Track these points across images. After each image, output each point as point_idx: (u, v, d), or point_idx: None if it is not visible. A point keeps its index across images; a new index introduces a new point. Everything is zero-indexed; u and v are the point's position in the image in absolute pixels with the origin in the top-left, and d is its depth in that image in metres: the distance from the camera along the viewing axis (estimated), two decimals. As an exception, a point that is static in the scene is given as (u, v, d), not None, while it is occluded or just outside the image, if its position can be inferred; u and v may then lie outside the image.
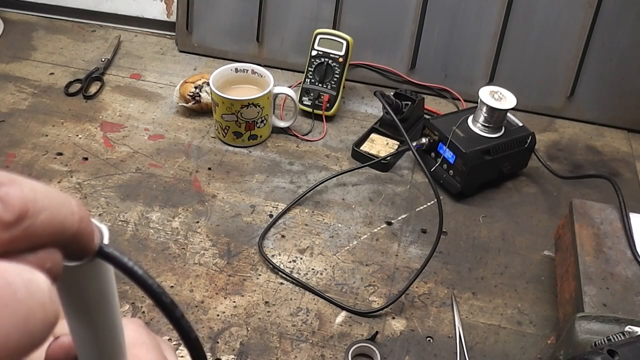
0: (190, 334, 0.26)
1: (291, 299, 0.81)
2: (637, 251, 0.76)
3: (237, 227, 0.90)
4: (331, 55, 1.09)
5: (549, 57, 1.14)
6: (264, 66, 1.08)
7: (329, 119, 1.11)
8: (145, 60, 1.24)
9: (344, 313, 0.80)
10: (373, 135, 1.07)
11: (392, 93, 1.04)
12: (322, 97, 1.10)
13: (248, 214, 0.92)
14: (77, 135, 1.04)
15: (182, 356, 0.71)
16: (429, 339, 0.78)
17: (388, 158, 1.01)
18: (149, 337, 0.34)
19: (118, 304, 0.28)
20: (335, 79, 1.09)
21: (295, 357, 0.74)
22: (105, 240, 0.26)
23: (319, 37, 1.09)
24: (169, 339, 0.73)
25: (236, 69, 1.07)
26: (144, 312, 0.78)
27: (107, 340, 0.29)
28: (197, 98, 1.08)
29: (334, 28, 1.18)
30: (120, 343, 0.30)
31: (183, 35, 1.26)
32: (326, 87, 1.10)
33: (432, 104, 1.17)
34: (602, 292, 0.71)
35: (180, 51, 1.27)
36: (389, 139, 1.06)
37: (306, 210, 0.94)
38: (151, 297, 0.25)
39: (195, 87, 1.08)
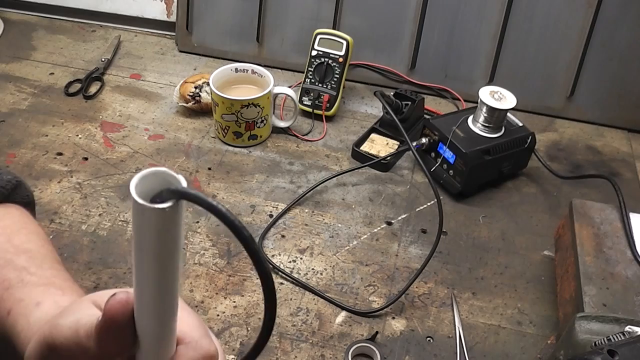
0: (265, 265, 0.30)
1: (291, 299, 0.81)
2: (637, 251, 0.76)
3: (237, 227, 0.90)
4: (331, 55, 1.09)
5: (549, 57, 1.14)
6: (264, 66, 1.08)
7: (329, 119, 1.11)
8: (145, 60, 1.24)
9: (344, 313, 0.80)
10: (373, 135, 1.06)
11: (392, 93, 1.04)
12: (322, 97, 1.10)
13: (248, 214, 0.92)
14: (77, 135, 1.04)
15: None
16: (429, 339, 0.78)
17: (388, 158, 1.01)
18: (185, 304, 0.37)
19: (181, 254, 0.31)
20: (335, 79, 1.09)
21: (295, 357, 0.74)
22: (184, 185, 0.29)
23: (319, 37, 1.09)
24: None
25: (236, 69, 1.07)
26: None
27: (169, 288, 0.32)
28: (197, 98, 1.08)
29: (334, 28, 1.18)
30: (176, 294, 0.33)
31: (183, 35, 1.26)
32: (326, 87, 1.10)
33: (432, 104, 1.17)
34: (602, 292, 0.71)
35: (180, 51, 1.27)
36: (389, 139, 1.06)
37: (306, 210, 0.94)
38: (233, 231, 0.29)
39: (195, 87, 1.08)
